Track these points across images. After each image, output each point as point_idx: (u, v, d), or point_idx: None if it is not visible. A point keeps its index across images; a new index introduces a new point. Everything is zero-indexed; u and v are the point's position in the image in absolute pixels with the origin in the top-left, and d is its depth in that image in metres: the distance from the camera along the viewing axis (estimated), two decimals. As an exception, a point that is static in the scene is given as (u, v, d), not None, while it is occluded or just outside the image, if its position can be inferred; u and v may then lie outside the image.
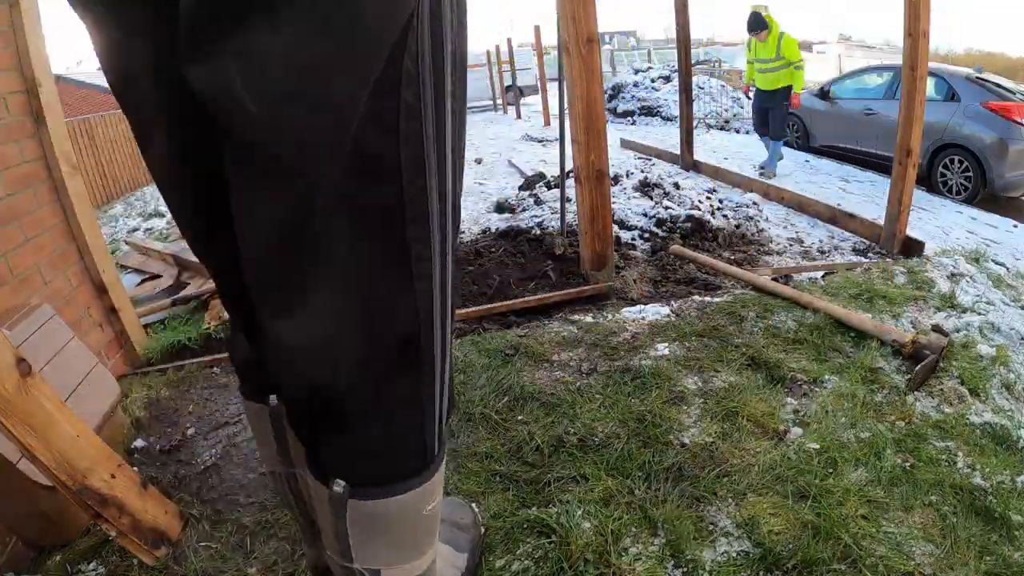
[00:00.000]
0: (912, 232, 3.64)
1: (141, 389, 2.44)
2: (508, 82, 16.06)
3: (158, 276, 4.00)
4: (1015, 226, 5.38)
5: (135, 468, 1.65)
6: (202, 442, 2.05)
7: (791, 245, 3.90)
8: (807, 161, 7.43)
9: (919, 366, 2.04)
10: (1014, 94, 6.28)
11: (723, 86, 12.24)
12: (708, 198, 4.10)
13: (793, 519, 1.50)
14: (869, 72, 7.98)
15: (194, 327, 3.01)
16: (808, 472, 1.64)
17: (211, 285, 3.37)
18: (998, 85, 6.44)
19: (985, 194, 6.16)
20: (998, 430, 1.81)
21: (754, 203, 4.28)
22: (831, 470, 1.66)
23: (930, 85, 5.84)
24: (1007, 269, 3.22)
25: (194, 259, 3.71)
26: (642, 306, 2.73)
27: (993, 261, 3.25)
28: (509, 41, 15.43)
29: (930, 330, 2.27)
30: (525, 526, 1.55)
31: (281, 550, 1.55)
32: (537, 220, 3.95)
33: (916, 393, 2.01)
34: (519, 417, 1.97)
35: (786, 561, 1.38)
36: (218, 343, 2.86)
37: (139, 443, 2.09)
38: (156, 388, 2.45)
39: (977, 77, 6.52)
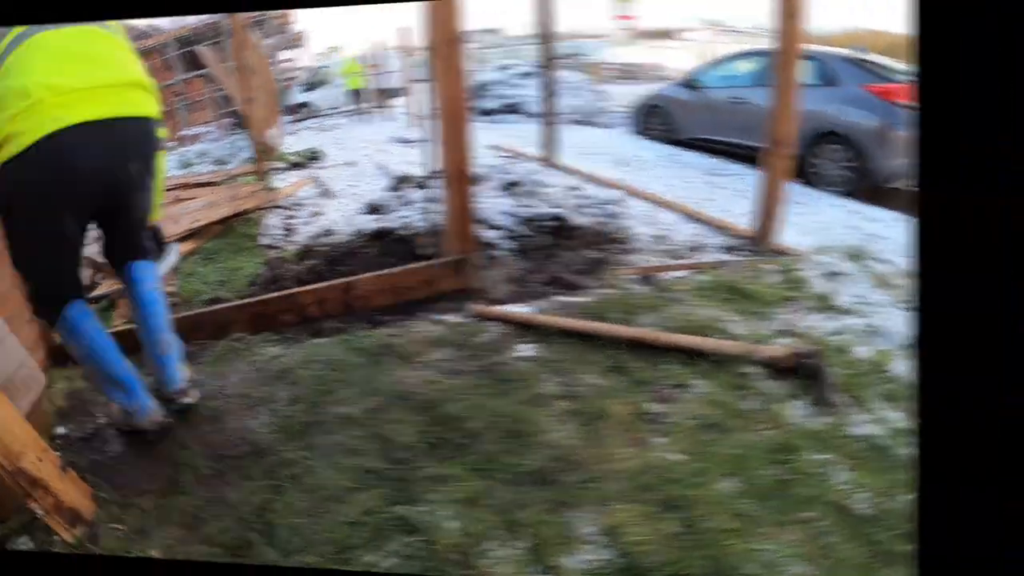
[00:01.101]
0: (790, 228, 3.44)
1: (61, 380, 2.57)
2: (376, 85, 15.20)
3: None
4: (899, 219, 4.70)
5: (58, 453, 1.83)
6: (112, 432, 2.20)
7: (657, 243, 3.84)
8: (672, 155, 7.00)
9: (819, 384, 1.94)
10: (897, 74, 5.61)
11: (586, 80, 11.70)
12: (572, 195, 4.13)
13: (659, 529, 1.46)
14: (738, 58, 7.31)
15: (104, 324, 3.30)
16: (675, 481, 1.59)
17: (119, 285, 3.65)
18: (880, 66, 5.86)
19: (866, 185, 5.53)
20: (879, 442, 1.73)
21: (619, 200, 4.30)
22: (699, 479, 1.59)
23: (806, 68, 5.07)
24: (892, 266, 3.03)
25: (106, 261, 3.94)
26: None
27: (876, 258, 3.09)
28: (375, 44, 15.13)
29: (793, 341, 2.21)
30: (393, 523, 1.58)
31: (178, 535, 1.67)
32: (405, 220, 3.92)
33: (793, 401, 1.94)
34: (389, 416, 2.02)
35: (652, 573, 1.36)
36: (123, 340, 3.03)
37: (60, 430, 2.26)
38: (73, 380, 2.58)
39: (857, 58, 6.01)
